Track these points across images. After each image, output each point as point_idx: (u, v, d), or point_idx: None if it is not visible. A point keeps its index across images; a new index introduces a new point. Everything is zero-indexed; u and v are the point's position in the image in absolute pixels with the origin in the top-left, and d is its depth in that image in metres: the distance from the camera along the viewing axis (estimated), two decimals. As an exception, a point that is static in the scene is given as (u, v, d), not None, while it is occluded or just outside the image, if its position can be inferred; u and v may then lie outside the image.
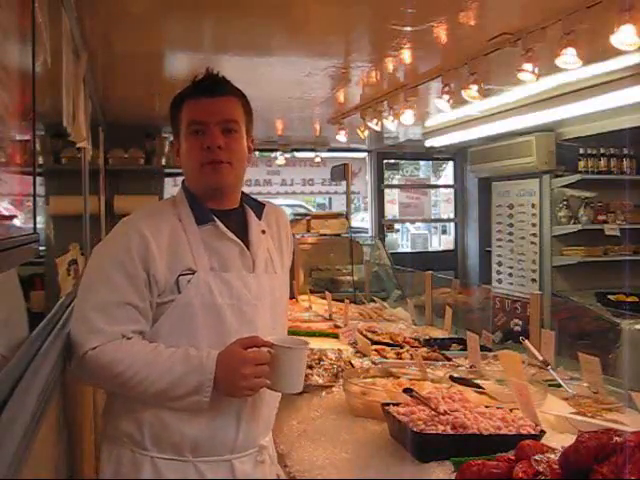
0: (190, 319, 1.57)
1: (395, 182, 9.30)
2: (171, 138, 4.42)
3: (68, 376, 1.60)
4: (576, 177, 5.40)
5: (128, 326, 1.54)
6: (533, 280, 5.72)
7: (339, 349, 2.88)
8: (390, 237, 7.75)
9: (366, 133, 4.90)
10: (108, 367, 1.50)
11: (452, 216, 7.95)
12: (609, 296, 4.74)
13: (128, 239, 1.58)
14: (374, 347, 2.97)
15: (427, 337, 3.29)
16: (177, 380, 1.51)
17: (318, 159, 7.26)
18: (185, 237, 1.62)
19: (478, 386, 2.21)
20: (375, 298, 4.71)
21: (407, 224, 10.00)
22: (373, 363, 2.71)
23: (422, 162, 10.99)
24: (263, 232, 1.74)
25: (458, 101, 3.57)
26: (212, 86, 1.67)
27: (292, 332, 3.31)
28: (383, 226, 7.35)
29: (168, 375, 1.51)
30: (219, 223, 1.65)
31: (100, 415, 1.71)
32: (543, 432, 1.72)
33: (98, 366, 1.50)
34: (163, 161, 5.57)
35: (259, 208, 1.77)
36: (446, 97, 3.54)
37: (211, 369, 1.50)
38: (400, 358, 2.83)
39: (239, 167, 1.68)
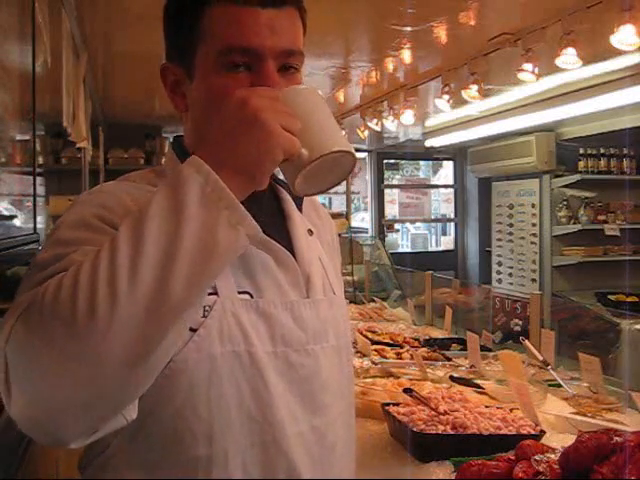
0: (209, 381, 0.86)
1: (395, 182, 9.30)
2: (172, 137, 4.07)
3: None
4: (576, 177, 5.40)
5: None
6: (533, 280, 5.72)
7: (339, 349, 2.88)
8: (390, 237, 7.75)
9: (366, 133, 4.91)
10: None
11: (452, 216, 7.96)
12: (609, 296, 4.73)
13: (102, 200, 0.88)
14: (374, 347, 2.97)
15: (427, 337, 3.29)
16: (167, 217, 0.69)
17: (318, 159, 7.26)
18: None
19: (478, 386, 2.21)
20: (375, 298, 4.71)
21: (407, 224, 10.00)
22: (373, 363, 2.71)
23: (422, 162, 10.99)
24: (310, 232, 1.05)
25: (458, 101, 3.57)
26: None
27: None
28: (383, 226, 7.36)
29: (152, 222, 0.69)
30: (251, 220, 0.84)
31: None
32: (543, 432, 1.72)
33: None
34: (163, 161, 5.57)
35: (298, 197, 1.05)
36: (446, 97, 3.54)
37: (193, 158, 0.73)
38: (400, 358, 2.83)
39: None
